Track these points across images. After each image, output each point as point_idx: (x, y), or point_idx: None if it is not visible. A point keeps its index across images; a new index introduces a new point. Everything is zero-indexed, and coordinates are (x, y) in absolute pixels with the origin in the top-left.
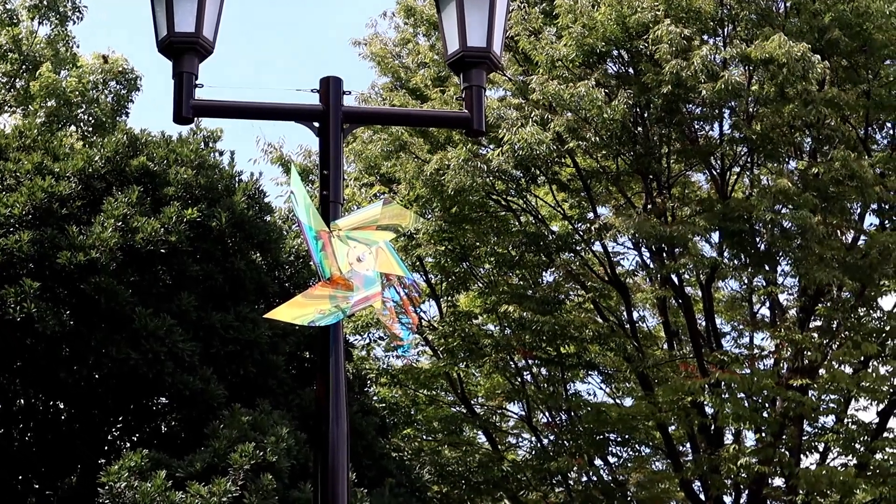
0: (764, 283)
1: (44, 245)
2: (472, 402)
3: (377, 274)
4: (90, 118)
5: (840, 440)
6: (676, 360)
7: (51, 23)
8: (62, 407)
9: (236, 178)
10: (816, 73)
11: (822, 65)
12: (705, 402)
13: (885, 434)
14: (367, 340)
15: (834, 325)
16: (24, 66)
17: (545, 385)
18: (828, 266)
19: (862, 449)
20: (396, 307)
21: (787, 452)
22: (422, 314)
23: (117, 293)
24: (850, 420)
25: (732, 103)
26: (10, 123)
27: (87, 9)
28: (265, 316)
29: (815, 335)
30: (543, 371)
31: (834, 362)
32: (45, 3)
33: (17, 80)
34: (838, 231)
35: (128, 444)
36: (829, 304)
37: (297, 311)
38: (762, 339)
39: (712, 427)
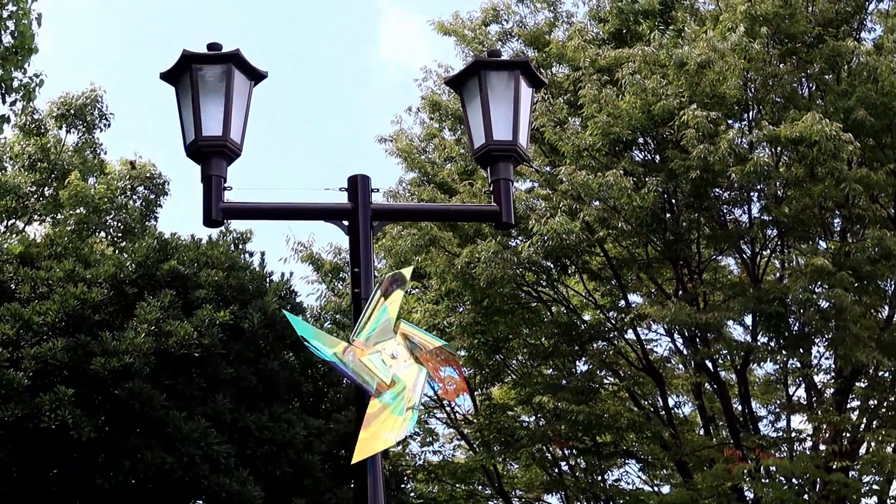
0: (799, 366)
1: (77, 352)
2: (510, 494)
3: (397, 381)
4: (119, 224)
5: None
6: (714, 446)
7: (78, 131)
8: None
9: (267, 279)
10: (848, 151)
11: (853, 144)
12: (745, 488)
13: None
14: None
15: (872, 406)
16: (52, 175)
17: (583, 475)
18: (865, 346)
19: None
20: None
21: None
22: (457, 408)
23: (152, 398)
24: (892, 501)
25: (761, 186)
26: (40, 232)
27: (114, 116)
28: (353, 462)
29: (853, 416)
30: (581, 461)
31: (873, 443)
32: (72, 112)
33: (46, 188)
34: (872, 310)
35: None
36: (865, 385)
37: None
38: (799, 421)
39: None
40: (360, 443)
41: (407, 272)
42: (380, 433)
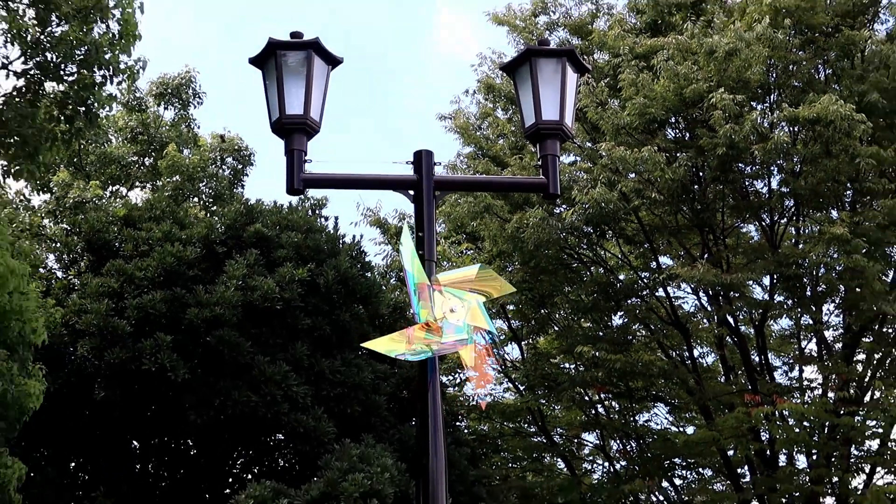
0: (811, 322)
1: (174, 303)
2: (552, 432)
3: (466, 325)
4: (210, 190)
5: (885, 461)
6: (734, 392)
7: (174, 108)
8: (190, 444)
9: (340, 241)
10: (860, 130)
11: (866, 124)
12: (762, 429)
13: None
14: (458, 380)
15: (877, 358)
16: (151, 147)
17: (617, 416)
18: (884, 299)
19: None
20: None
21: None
22: (505, 355)
23: (239, 344)
24: (893, 443)
25: (780, 161)
26: (141, 197)
27: (206, 94)
28: (363, 344)
29: (860, 367)
30: (615, 404)
31: (878, 391)
32: (169, 91)
33: (146, 158)
34: (881, 274)
35: (248, 477)
36: (871, 339)
37: (391, 345)
38: (811, 372)
39: (768, 451)
40: (384, 339)
41: (499, 289)
42: (394, 346)
